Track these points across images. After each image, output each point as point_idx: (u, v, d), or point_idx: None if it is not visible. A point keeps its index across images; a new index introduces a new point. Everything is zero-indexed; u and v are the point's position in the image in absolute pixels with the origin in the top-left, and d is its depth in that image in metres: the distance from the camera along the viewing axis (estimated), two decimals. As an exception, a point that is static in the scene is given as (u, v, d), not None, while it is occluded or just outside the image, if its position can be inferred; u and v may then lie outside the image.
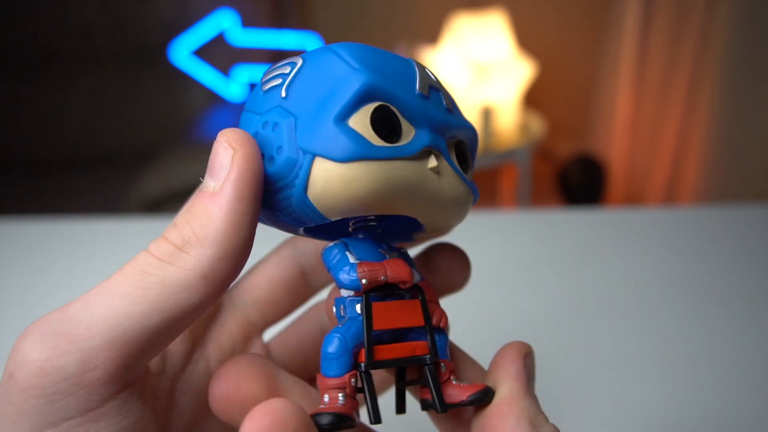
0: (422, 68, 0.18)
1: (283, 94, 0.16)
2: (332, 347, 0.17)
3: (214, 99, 1.47)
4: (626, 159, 1.62)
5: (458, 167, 0.18)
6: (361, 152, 0.15)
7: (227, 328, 0.21)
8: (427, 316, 0.18)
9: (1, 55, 1.45)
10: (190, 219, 0.15)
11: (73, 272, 0.53)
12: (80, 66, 1.46)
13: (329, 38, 1.56)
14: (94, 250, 0.56)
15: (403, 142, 0.16)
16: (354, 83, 0.16)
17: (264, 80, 0.17)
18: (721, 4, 1.27)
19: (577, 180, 1.60)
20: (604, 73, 1.65)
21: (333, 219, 0.16)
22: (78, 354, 0.14)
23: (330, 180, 0.15)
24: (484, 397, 0.18)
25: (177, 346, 0.19)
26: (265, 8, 1.52)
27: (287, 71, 0.17)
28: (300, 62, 0.17)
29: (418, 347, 0.18)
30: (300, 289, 0.22)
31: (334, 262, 0.18)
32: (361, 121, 0.16)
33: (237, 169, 0.15)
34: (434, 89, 0.18)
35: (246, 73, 1.50)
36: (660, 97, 1.47)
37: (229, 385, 0.17)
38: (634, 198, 1.62)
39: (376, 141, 0.16)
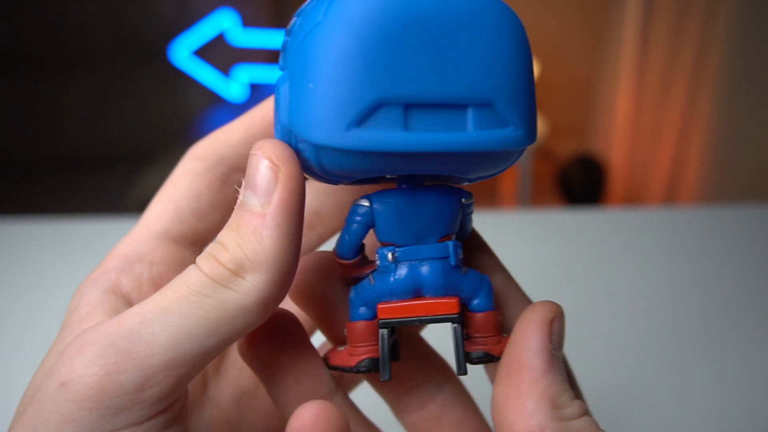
0: None
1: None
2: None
3: (214, 99, 1.47)
4: (626, 159, 1.62)
5: None
6: None
7: None
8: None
9: (1, 55, 1.45)
10: (241, 242, 0.15)
11: (73, 272, 0.53)
12: (80, 66, 1.46)
13: (329, 38, 1.56)
14: (94, 250, 0.56)
15: None
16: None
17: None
18: (721, 5, 1.27)
19: (577, 180, 1.60)
20: (604, 73, 1.65)
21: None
22: (138, 372, 0.14)
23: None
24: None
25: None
26: (265, 8, 1.52)
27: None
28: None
29: (444, 305, 0.17)
30: (219, 195, 0.20)
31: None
32: None
33: (283, 189, 0.15)
34: None
35: (246, 73, 1.50)
36: (660, 97, 1.47)
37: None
38: (634, 198, 1.62)
39: None
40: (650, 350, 0.41)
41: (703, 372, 0.39)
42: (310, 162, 0.16)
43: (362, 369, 0.17)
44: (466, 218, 0.18)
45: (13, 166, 1.44)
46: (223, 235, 0.15)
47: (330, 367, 0.18)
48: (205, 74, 1.46)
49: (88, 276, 0.19)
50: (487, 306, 0.17)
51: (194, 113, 1.45)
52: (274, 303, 0.15)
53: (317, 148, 0.15)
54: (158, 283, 0.19)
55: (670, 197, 1.50)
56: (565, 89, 1.78)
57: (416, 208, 0.17)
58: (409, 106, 0.15)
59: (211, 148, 0.20)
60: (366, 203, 0.17)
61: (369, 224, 0.17)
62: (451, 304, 0.17)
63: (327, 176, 0.16)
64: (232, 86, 1.48)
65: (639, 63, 1.50)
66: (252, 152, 0.15)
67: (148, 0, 1.44)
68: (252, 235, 0.15)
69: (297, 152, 0.16)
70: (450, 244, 0.17)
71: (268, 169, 0.15)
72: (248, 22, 1.48)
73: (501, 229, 0.57)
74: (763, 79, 1.22)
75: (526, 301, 0.19)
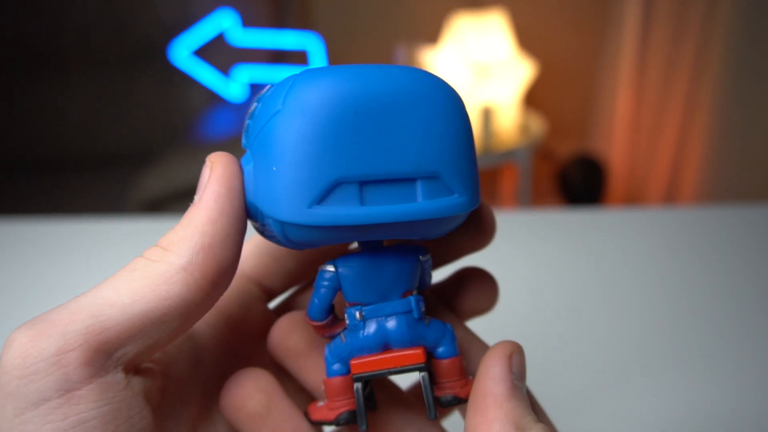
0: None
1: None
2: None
3: (214, 99, 1.47)
4: (626, 159, 1.62)
5: None
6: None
7: (237, 290, 0.22)
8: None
9: (1, 55, 1.45)
10: (177, 228, 0.17)
11: (73, 272, 0.53)
12: (80, 66, 1.46)
13: (329, 38, 1.56)
14: (94, 250, 0.56)
15: None
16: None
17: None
18: (721, 4, 1.27)
19: (577, 180, 1.60)
20: (604, 73, 1.65)
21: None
22: (59, 336, 0.15)
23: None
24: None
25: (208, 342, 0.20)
26: (265, 8, 1.52)
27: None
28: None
29: (410, 357, 0.18)
30: (303, 253, 0.22)
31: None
32: None
33: (212, 178, 0.17)
34: None
35: (246, 73, 1.50)
36: (660, 97, 1.47)
37: (237, 398, 0.19)
38: (634, 198, 1.62)
39: None
40: (650, 350, 0.41)
41: (703, 372, 0.39)
42: (276, 234, 0.17)
43: (341, 422, 0.18)
44: (425, 272, 0.20)
45: (13, 166, 1.44)
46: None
47: (311, 422, 0.19)
48: (205, 74, 1.46)
49: None
50: (451, 352, 0.19)
51: (194, 113, 1.45)
52: (199, 272, 0.16)
53: (282, 223, 0.17)
54: (219, 305, 0.21)
55: (670, 197, 1.50)
56: (565, 89, 1.78)
57: (379, 269, 0.18)
58: (363, 183, 0.16)
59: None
60: (332, 268, 0.18)
61: (336, 287, 0.18)
62: (417, 355, 0.18)
63: (292, 246, 0.18)
64: (232, 86, 1.48)
65: (639, 63, 1.50)
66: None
67: (148, 0, 1.44)
68: (185, 220, 0.17)
69: (263, 226, 0.18)
70: (412, 299, 0.18)
71: (205, 167, 0.17)
72: (248, 22, 1.48)
73: (501, 229, 0.57)
74: (763, 79, 1.22)
75: (486, 347, 0.21)
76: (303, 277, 0.22)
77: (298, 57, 1.53)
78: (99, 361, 0.15)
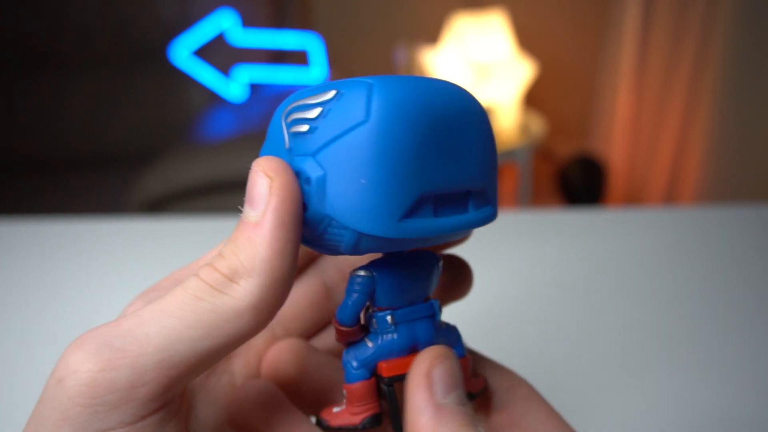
0: None
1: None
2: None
3: (214, 99, 1.47)
4: (626, 159, 1.62)
5: None
6: None
7: (254, 344, 0.22)
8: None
9: (1, 55, 1.45)
10: (236, 250, 0.16)
11: (73, 272, 0.53)
12: (80, 66, 1.46)
13: (329, 38, 1.56)
14: (94, 250, 0.56)
15: None
16: None
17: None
18: (721, 4, 1.27)
19: (577, 180, 1.60)
20: (604, 73, 1.65)
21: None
22: (130, 369, 0.15)
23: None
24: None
25: None
26: (265, 8, 1.52)
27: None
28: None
29: None
30: (323, 303, 0.23)
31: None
32: None
33: (276, 198, 0.16)
34: None
35: (246, 73, 1.50)
36: (660, 97, 1.47)
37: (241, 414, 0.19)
38: (634, 198, 1.62)
39: None
40: (650, 350, 0.41)
41: (703, 371, 0.39)
42: (342, 243, 0.17)
43: (367, 425, 0.19)
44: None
45: (13, 166, 1.44)
46: (223, 247, 0.16)
47: (331, 429, 0.19)
48: (205, 74, 1.46)
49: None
50: (462, 353, 0.20)
51: (194, 113, 1.45)
52: (268, 309, 0.16)
53: (360, 235, 0.16)
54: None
55: (670, 197, 1.50)
56: (565, 89, 1.78)
57: (410, 274, 0.19)
58: (437, 197, 0.17)
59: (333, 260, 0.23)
60: (366, 273, 0.18)
61: (371, 292, 0.18)
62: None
63: (350, 253, 0.17)
64: (232, 86, 1.48)
65: (639, 63, 1.51)
66: (251, 169, 0.16)
67: (148, 0, 1.44)
68: (246, 243, 0.16)
69: (322, 234, 0.17)
70: (434, 302, 0.19)
71: (261, 181, 0.16)
72: (248, 22, 1.48)
73: (501, 229, 0.57)
74: (763, 79, 1.22)
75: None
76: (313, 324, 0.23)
77: (298, 57, 1.53)
78: (164, 396, 0.15)
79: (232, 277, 0.16)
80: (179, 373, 0.15)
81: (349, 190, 0.16)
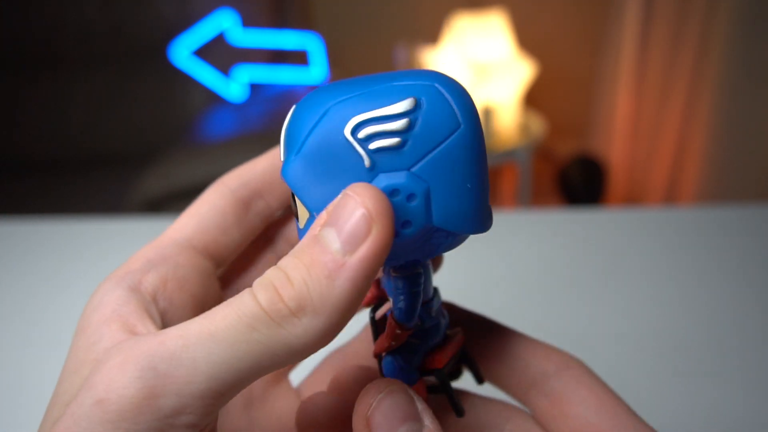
0: None
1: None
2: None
3: (214, 99, 1.47)
4: (626, 159, 1.62)
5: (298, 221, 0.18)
6: None
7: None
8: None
9: (1, 55, 1.45)
10: (309, 281, 0.14)
11: (73, 272, 0.53)
12: (80, 66, 1.46)
13: (329, 38, 1.56)
14: (94, 250, 0.56)
15: None
16: None
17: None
18: (722, 5, 1.27)
19: (577, 180, 1.60)
20: (604, 73, 1.65)
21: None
22: (176, 398, 0.14)
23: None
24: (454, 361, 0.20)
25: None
26: (265, 8, 1.52)
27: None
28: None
29: (461, 339, 0.20)
30: (241, 215, 0.21)
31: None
32: None
33: (372, 246, 0.14)
34: None
35: (246, 73, 1.50)
36: (660, 97, 1.47)
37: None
38: (634, 198, 1.62)
39: None
40: (650, 350, 0.41)
41: (703, 371, 0.39)
42: (438, 250, 0.17)
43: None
44: None
45: (13, 166, 1.44)
46: (291, 266, 0.15)
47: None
48: (205, 74, 1.46)
49: (108, 277, 0.19)
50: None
51: (194, 113, 1.45)
52: (319, 348, 0.15)
53: (461, 238, 0.17)
54: (183, 284, 0.19)
55: (670, 197, 1.50)
56: (565, 89, 1.78)
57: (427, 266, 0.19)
58: None
59: (236, 174, 0.21)
60: (420, 268, 0.18)
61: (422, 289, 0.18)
62: (460, 338, 0.20)
63: (428, 258, 0.18)
64: (232, 86, 1.48)
65: (639, 63, 1.51)
66: (347, 192, 0.15)
67: (148, 0, 1.44)
68: (324, 280, 0.14)
69: (420, 247, 0.17)
70: (438, 290, 0.20)
71: (362, 220, 0.14)
72: (248, 22, 1.48)
73: (501, 229, 0.57)
74: (763, 79, 1.22)
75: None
76: (244, 245, 0.22)
77: (298, 57, 1.53)
78: (205, 421, 0.15)
79: (296, 312, 0.14)
80: (223, 401, 0.15)
81: (456, 197, 0.16)
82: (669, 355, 0.41)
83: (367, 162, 0.15)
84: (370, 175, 0.15)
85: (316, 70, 1.53)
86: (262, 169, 0.21)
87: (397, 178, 0.15)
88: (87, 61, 1.46)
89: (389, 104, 0.15)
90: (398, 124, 0.15)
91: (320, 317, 0.14)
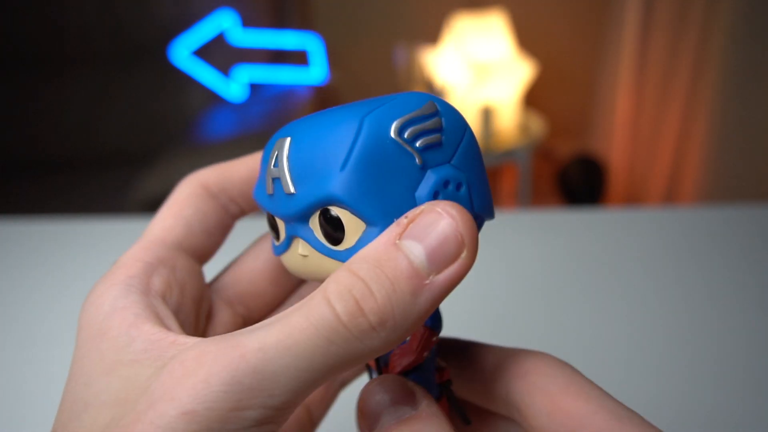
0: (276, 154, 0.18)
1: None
2: None
3: (214, 99, 1.47)
4: (626, 159, 1.62)
5: (324, 242, 0.17)
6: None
7: (223, 322, 0.22)
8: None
9: (1, 55, 1.45)
10: (393, 297, 0.14)
11: (73, 272, 0.53)
12: (79, 66, 1.46)
13: (329, 38, 1.56)
14: (94, 250, 0.56)
15: (281, 237, 0.18)
16: None
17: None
18: (722, 5, 1.27)
19: (577, 180, 1.60)
20: (604, 73, 1.65)
21: None
22: (260, 410, 0.14)
23: None
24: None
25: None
26: (265, 8, 1.52)
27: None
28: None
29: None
30: (282, 279, 0.23)
31: None
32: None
33: (459, 271, 0.15)
34: (274, 180, 0.18)
35: (246, 73, 1.50)
36: (660, 97, 1.47)
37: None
38: (634, 198, 1.62)
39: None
40: (650, 350, 0.41)
41: (703, 372, 0.39)
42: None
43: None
44: None
45: (13, 166, 1.44)
46: (373, 278, 0.15)
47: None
48: (205, 74, 1.46)
49: (105, 281, 0.18)
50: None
51: (194, 113, 1.45)
52: (384, 353, 0.15)
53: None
54: (183, 287, 0.20)
55: (670, 197, 1.50)
56: (565, 89, 1.78)
57: None
58: None
59: (215, 177, 0.22)
60: None
61: None
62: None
63: None
64: (232, 86, 1.48)
65: (639, 63, 1.51)
66: (437, 209, 0.15)
67: (148, 0, 1.44)
68: (409, 297, 0.14)
69: None
70: None
71: (454, 242, 0.15)
72: (248, 22, 1.48)
73: (501, 229, 0.57)
74: (764, 79, 1.22)
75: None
76: (221, 246, 0.23)
77: (298, 57, 1.53)
78: (281, 426, 0.15)
79: (376, 327, 0.14)
80: (296, 408, 0.15)
81: (483, 185, 0.17)
82: (669, 354, 0.41)
83: (418, 159, 0.16)
84: (421, 172, 0.16)
85: (316, 70, 1.53)
86: (239, 178, 0.22)
87: (445, 171, 0.16)
88: (86, 61, 1.46)
89: (416, 108, 0.16)
90: (434, 122, 0.16)
91: (398, 331, 0.14)
